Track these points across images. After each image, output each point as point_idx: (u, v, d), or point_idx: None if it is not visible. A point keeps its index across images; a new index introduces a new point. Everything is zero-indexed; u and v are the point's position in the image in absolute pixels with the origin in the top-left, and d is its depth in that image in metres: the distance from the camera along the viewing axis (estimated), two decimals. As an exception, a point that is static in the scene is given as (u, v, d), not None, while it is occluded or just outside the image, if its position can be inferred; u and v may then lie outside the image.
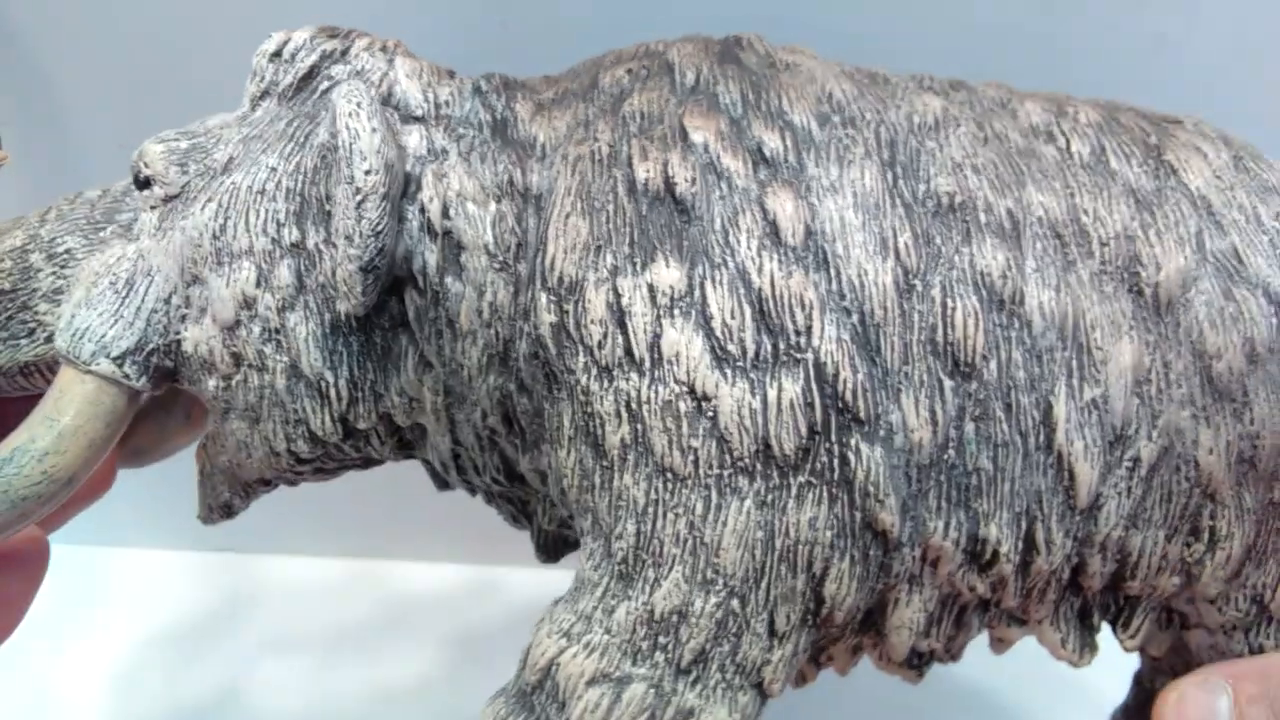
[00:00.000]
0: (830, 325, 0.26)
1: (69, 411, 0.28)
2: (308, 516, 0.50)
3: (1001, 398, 0.26)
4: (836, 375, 0.26)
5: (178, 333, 0.29)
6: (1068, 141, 0.29)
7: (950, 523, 0.27)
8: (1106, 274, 0.27)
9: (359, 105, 0.27)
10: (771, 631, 0.27)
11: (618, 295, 0.26)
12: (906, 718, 0.44)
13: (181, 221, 0.29)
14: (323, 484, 0.34)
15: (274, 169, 0.29)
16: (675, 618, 0.26)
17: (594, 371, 0.26)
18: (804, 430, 0.26)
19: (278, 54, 0.31)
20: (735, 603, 0.26)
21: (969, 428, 0.26)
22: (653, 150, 0.28)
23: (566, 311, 0.27)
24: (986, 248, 0.27)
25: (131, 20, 0.42)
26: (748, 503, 0.26)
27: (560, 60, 0.33)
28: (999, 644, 0.31)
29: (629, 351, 0.26)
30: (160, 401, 0.34)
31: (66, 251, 0.30)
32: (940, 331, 0.26)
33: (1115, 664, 0.35)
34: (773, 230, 0.27)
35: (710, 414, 0.26)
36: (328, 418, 0.30)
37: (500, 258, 0.28)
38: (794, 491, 0.26)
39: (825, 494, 0.26)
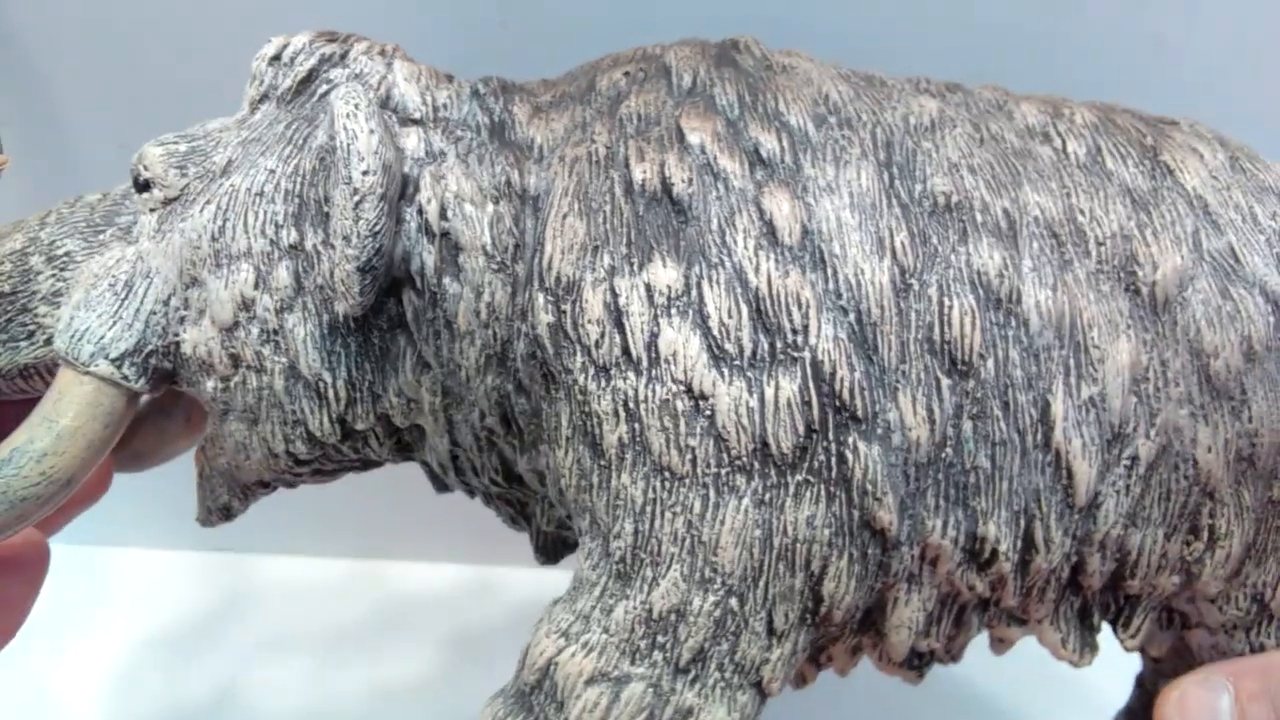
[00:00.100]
0: (827, 324, 0.26)
1: (68, 413, 0.28)
2: (307, 517, 0.50)
3: (999, 396, 0.26)
4: (834, 374, 0.26)
5: (176, 334, 0.30)
6: (1064, 142, 0.29)
7: (948, 521, 0.27)
8: (1103, 273, 0.27)
9: (357, 107, 0.27)
10: (770, 630, 0.27)
11: (615, 295, 0.26)
12: (910, 716, 0.44)
13: (180, 224, 0.30)
14: (322, 485, 0.34)
15: (272, 171, 0.29)
16: (673, 617, 0.26)
17: (591, 371, 0.27)
18: (801, 429, 0.26)
19: (277, 58, 0.31)
20: (733, 601, 0.26)
21: (966, 426, 0.26)
22: (650, 151, 0.28)
23: (564, 311, 0.27)
24: (983, 247, 0.27)
25: (131, 23, 0.42)
26: (746, 501, 0.26)
27: (560, 61, 0.33)
28: (999, 644, 0.31)
29: (626, 351, 0.26)
30: (159, 405, 0.34)
31: (66, 254, 0.30)
32: (937, 330, 0.26)
33: (1117, 666, 0.35)
34: (769, 230, 0.27)
35: (708, 413, 0.26)
36: (326, 419, 0.30)
37: (498, 259, 0.28)
38: (792, 490, 0.26)
39: (823, 492, 0.26)
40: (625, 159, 0.28)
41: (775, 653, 0.27)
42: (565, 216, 0.28)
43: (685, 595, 0.26)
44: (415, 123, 0.29)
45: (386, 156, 0.27)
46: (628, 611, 0.27)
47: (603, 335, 0.26)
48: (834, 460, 0.26)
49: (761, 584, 0.26)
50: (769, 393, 0.26)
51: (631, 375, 0.26)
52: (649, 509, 0.26)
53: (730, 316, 0.26)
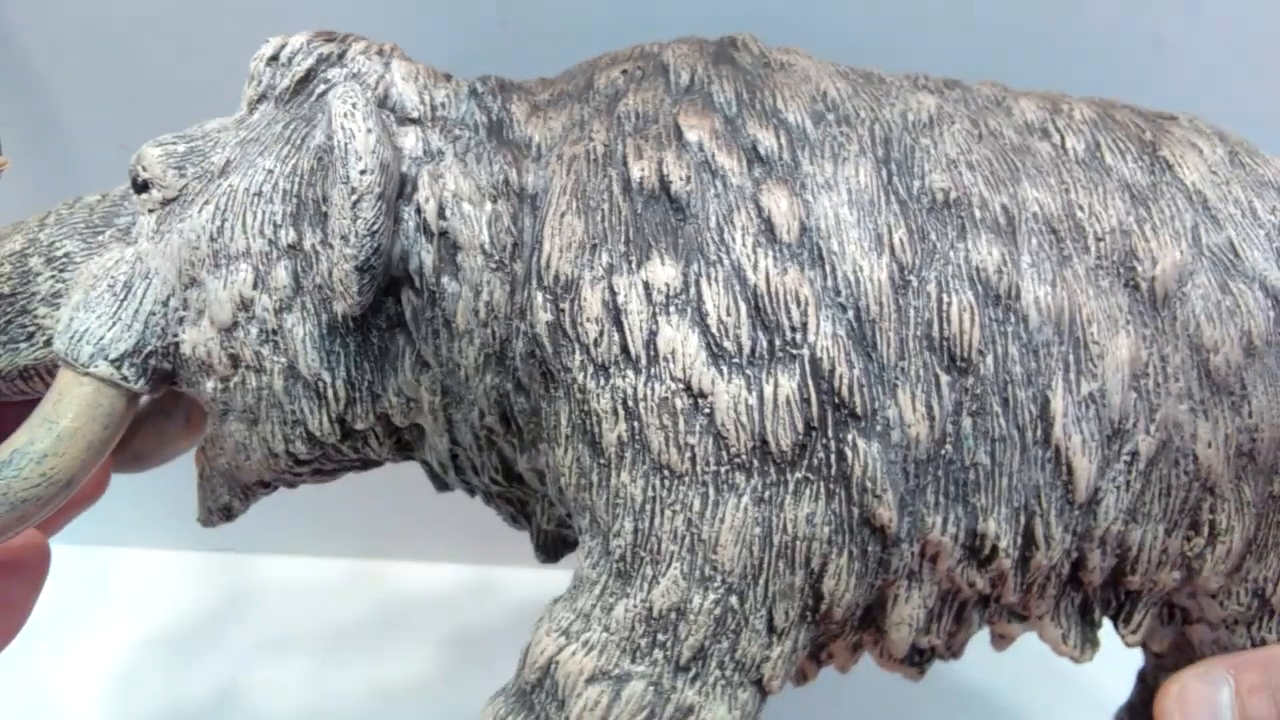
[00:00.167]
0: (826, 321, 0.26)
1: (68, 414, 0.28)
2: (307, 517, 0.50)
3: (998, 392, 0.26)
4: (832, 371, 0.26)
5: (176, 335, 0.30)
6: (1062, 138, 0.29)
7: (948, 518, 0.27)
8: (1102, 269, 0.27)
9: (354, 106, 0.27)
10: (770, 628, 0.27)
11: (613, 293, 0.26)
12: (909, 717, 0.44)
13: (179, 224, 0.30)
14: (322, 485, 0.34)
15: (271, 171, 0.29)
16: (674, 615, 0.26)
17: (590, 369, 0.27)
18: (800, 426, 0.26)
19: (274, 58, 0.31)
20: (734, 599, 0.26)
21: (966, 422, 0.26)
22: (648, 149, 0.28)
23: (563, 310, 0.27)
24: (982, 243, 0.27)
25: (131, 23, 0.42)
26: (745, 499, 0.26)
27: (560, 62, 0.33)
28: (1000, 640, 0.31)
29: (625, 349, 0.26)
30: (159, 406, 0.34)
31: (65, 255, 0.30)
32: (936, 327, 0.26)
33: (1118, 662, 0.35)
34: (768, 227, 0.27)
35: (707, 411, 0.26)
36: (325, 418, 0.30)
37: (496, 257, 0.28)
38: (791, 487, 0.26)
39: (823, 489, 0.26)
40: (623, 157, 0.28)
41: (776, 650, 0.27)
42: (563, 215, 0.28)
43: (685, 593, 0.26)
44: (413, 122, 0.29)
45: (384, 156, 0.27)
46: (628, 610, 0.27)
47: (601, 333, 0.26)
48: (833, 457, 0.26)
49: (761, 582, 0.26)
50: (768, 390, 0.26)
51: (630, 373, 0.26)
52: (649, 507, 0.26)
53: (729, 314, 0.26)
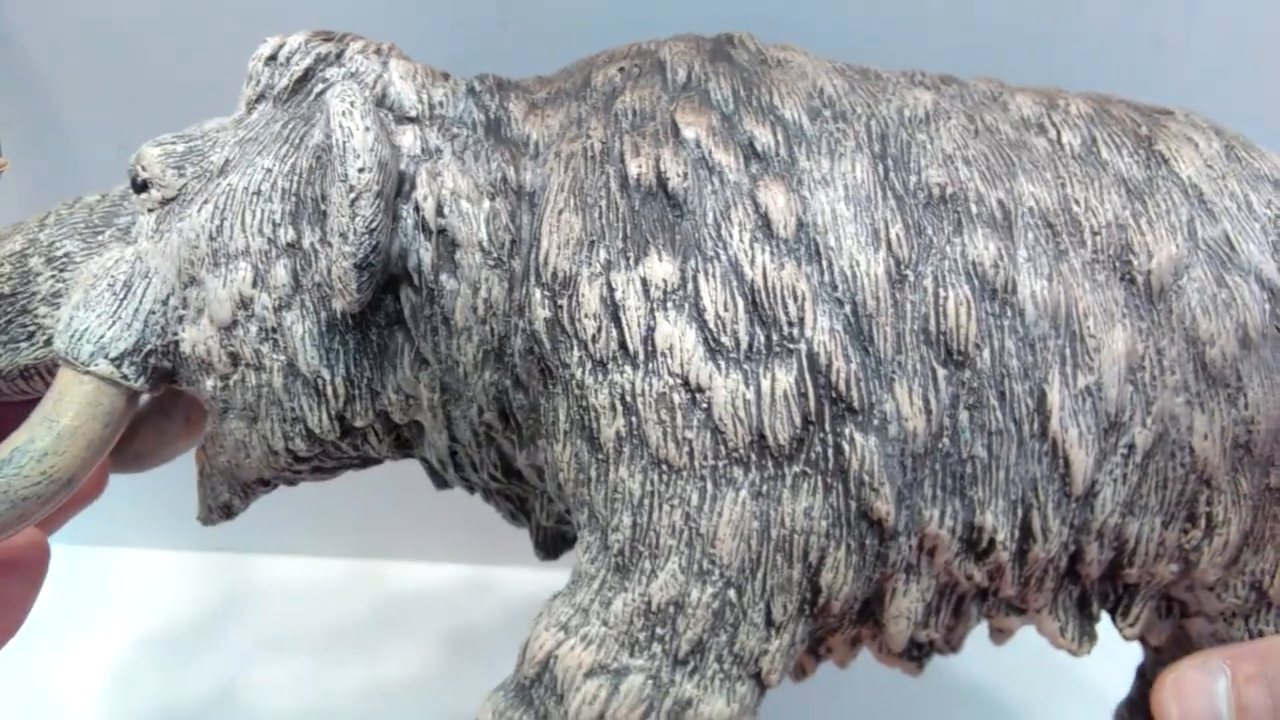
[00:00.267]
0: (823, 316, 0.26)
1: (68, 412, 0.29)
2: (306, 516, 0.50)
3: (995, 386, 0.27)
4: (830, 365, 0.26)
5: (175, 333, 0.30)
6: (1059, 133, 0.29)
7: (946, 511, 0.27)
8: (1099, 263, 0.27)
9: (352, 104, 0.27)
10: (769, 621, 0.27)
11: (611, 289, 0.27)
12: (909, 715, 0.44)
13: (178, 223, 0.30)
14: (321, 484, 0.34)
15: (269, 170, 0.29)
16: (672, 609, 0.26)
17: (588, 365, 0.27)
18: (798, 420, 0.26)
19: (273, 58, 0.31)
20: (732, 593, 0.26)
21: (963, 416, 0.27)
22: (645, 146, 0.28)
23: (561, 306, 0.27)
24: (978, 238, 0.27)
25: (131, 24, 0.42)
26: (743, 493, 0.26)
27: (559, 61, 0.33)
28: (999, 634, 0.31)
29: (623, 345, 0.26)
30: (160, 406, 0.34)
31: (65, 255, 0.31)
32: (933, 321, 0.26)
33: (1118, 658, 0.35)
34: (765, 223, 0.27)
35: (704, 405, 0.26)
36: (325, 415, 0.30)
37: (494, 254, 0.28)
38: (789, 481, 0.26)
39: (820, 483, 0.26)
40: (620, 154, 0.28)
41: (774, 644, 0.27)
42: (561, 212, 0.28)
43: (684, 587, 0.26)
44: (411, 120, 0.29)
45: (382, 154, 0.27)
46: (626, 604, 0.27)
47: (599, 329, 0.26)
48: (831, 451, 0.26)
49: (759, 575, 0.26)
50: (765, 385, 0.26)
51: (628, 369, 0.26)
52: (647, 502, 0.26)
53: (726, 309, 0.26)
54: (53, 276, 0.30)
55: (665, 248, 0.27)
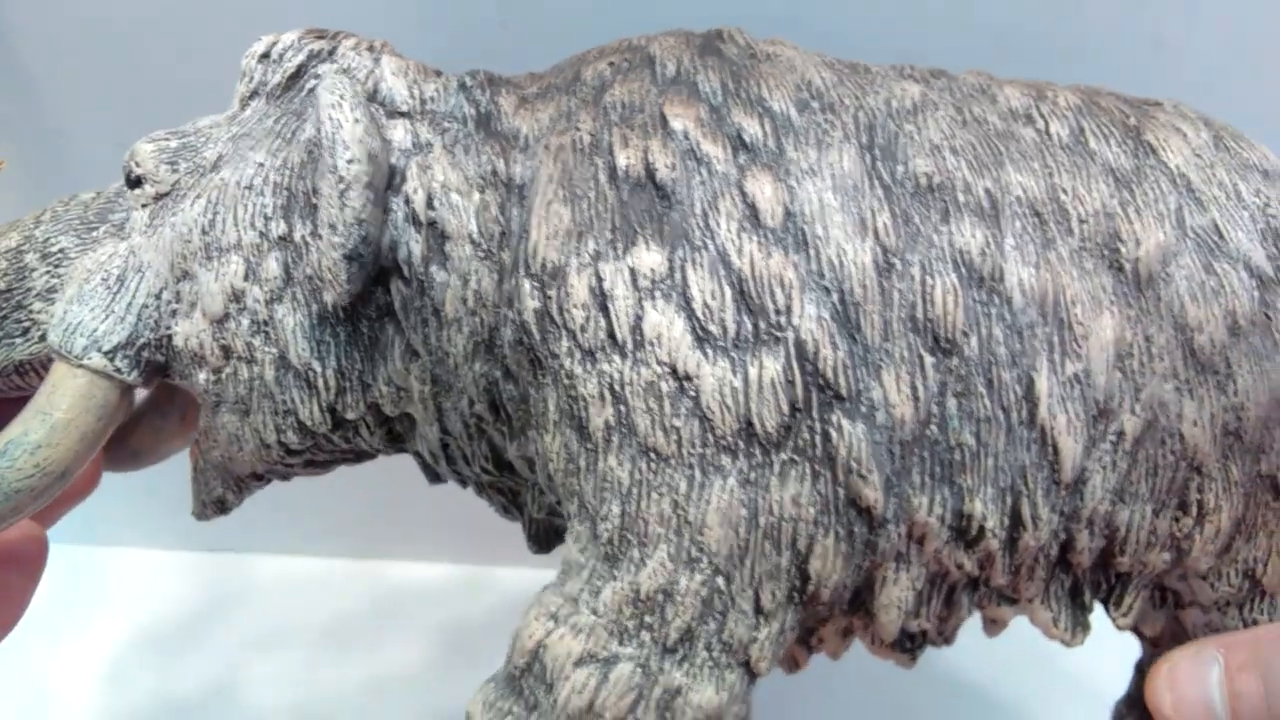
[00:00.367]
0: (810, 304, 0.26)
1: (62, 405, 0.29)
2: (301, 516, 0.51)
3: (983, 373, 0.27)
4: (817, 353, 0.26)
5: (168, 327, 0.30)
6: (1046, 123, 0.29)
7: (934, 499, 0.27)
8: (1086, 251, 0.27)
9: (342, 97, 0.27)
10: (757, 609, 0.27)
11: (600, 279, 0.27)
12: (905, 708, 0.44)
13: (172, 218, 0.30)
14: (316, 483, 0.34)
15: (262, 164, 0.29)
16: (661, 597, 0.26)
17: (577, 355, 0.27)
18: (786, 408, 0.26)
19: (266, 55, 0.31)
20: (720, 581, 0.26)
21: (951, 404, 0.27)
22: (633, 138, 0.28)
23: (550, 297, 0.27)
24: (965, 226, 0.27)
25: (129, 23, 0.43)
26: (731, 481, 0.26)
27: (559, 60, 0.33)
28: (992, 625, 0.31)
29: (611, 334, 0.26)
30: (156, 404, 0.35)
31: (60, 251, 0.31)
32: (920, 309, 0.27)
33: (1117, 654, 0.35)
34: (752, 213, 0.27)
35: (692, 394, 0.26)
36: (316, 408, 0.30)
37: (484, 246, 0.28)
38: (777, 469, 0.26)
39: (808, 471, 0.26)
40: (609, 146, 0.28)
41: (763, 632, 0.27)
42: (550, 203, 0.28)
43: (672, 575, 0.26)
44: (402, 115, 0.30)
45: (372, 146, 0.27)
46: (615, 592, 0.27)
47: (588, 319, 0.27)
48: (819, 439, 0.26)
49: (748, 563, 0.26)
50: (753, 373, 0.26)
51: (617, 358, 0.26)
52: (635, 490, 0.26)
53: (714, 298, 0.26)
54: (48, 272, 0.31)
55: (653, 238, 0.27)
